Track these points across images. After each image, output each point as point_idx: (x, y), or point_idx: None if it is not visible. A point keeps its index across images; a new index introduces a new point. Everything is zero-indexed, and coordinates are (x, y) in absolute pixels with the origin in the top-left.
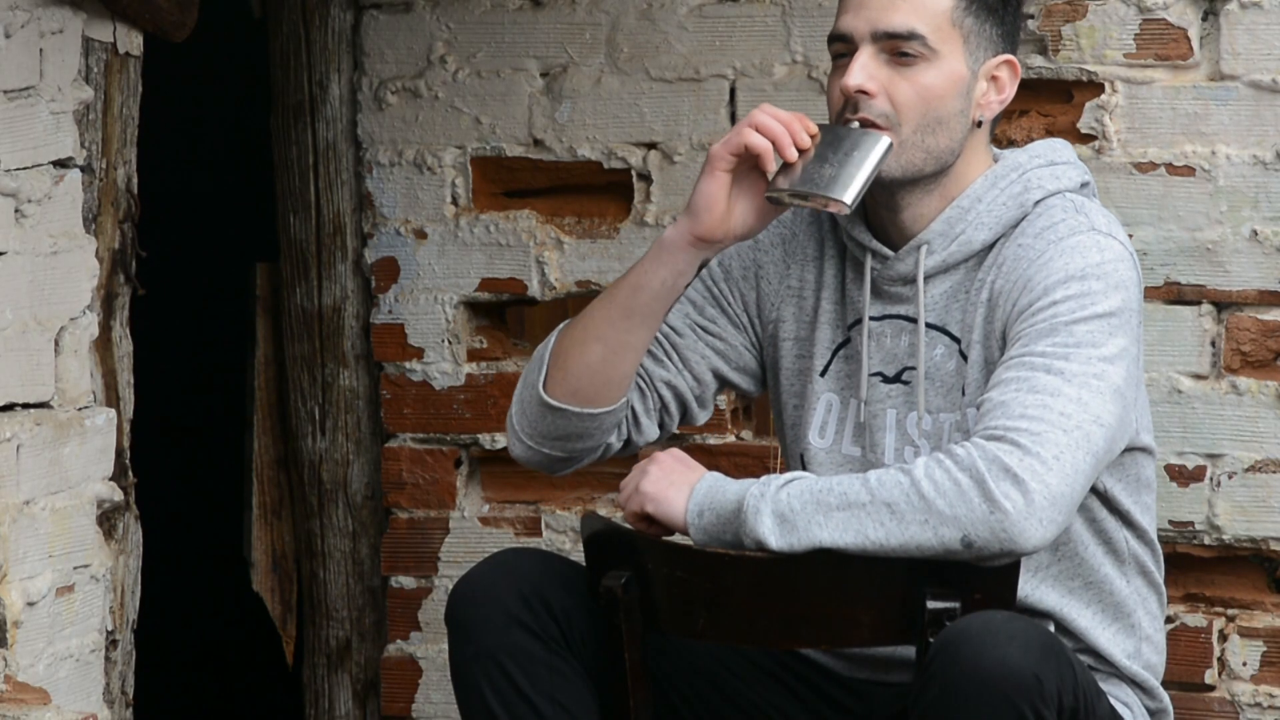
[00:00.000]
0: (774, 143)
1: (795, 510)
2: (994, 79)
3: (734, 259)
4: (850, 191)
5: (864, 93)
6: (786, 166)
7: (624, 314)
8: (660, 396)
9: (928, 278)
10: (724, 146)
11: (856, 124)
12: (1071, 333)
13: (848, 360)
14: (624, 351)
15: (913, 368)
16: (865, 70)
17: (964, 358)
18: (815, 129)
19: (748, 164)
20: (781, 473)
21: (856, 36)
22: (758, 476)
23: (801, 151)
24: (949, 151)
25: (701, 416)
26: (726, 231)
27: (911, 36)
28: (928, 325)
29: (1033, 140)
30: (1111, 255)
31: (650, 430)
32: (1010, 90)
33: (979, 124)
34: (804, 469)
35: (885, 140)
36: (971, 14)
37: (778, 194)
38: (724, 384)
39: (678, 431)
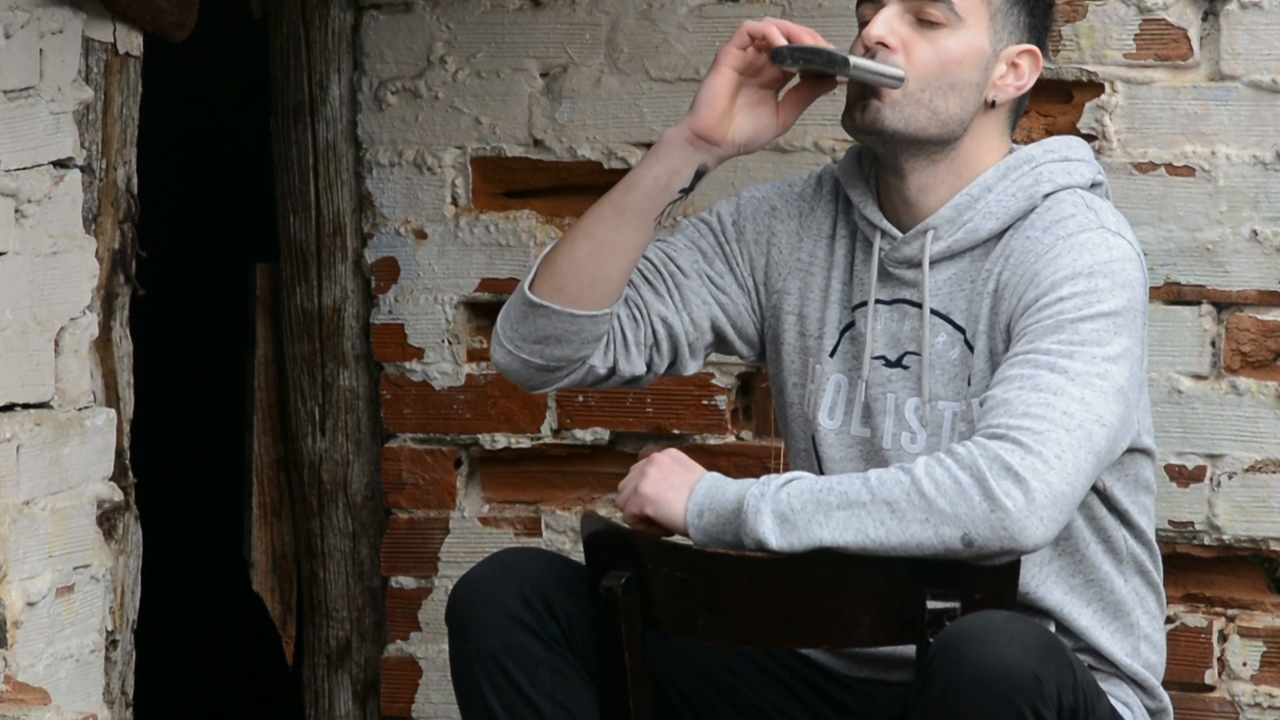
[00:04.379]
0: (786, 35)
1: (795, 510)
2: (1014, 65)
3: (749, 222)
4: (853, 56)
5: (884, 44)
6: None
7: (615, 211)
8: (654, 330)
9: (933, 263)
10: (731, 42)
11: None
12: (1076, 330)
13: (853, 341)
14: (611, 251)
15: (914, 353)
16: (888, 25)
17: (969, 348)
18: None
19: (755, 70)
20: (783, 469)
21: None
22: (758, 476)
23: None
24: (955, 120)
25: (691, 366)
26: (724, 135)
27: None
28: (932, 312)
29: (1033, 140)
30: (1119, 254)
31: (638, 363)
32: (1029, 80)
33: (992, 104)
34: (815, 450)
35: (897, 71)
36: None
37: (784, 52)
38: (720, 340)
39: (676, 432)
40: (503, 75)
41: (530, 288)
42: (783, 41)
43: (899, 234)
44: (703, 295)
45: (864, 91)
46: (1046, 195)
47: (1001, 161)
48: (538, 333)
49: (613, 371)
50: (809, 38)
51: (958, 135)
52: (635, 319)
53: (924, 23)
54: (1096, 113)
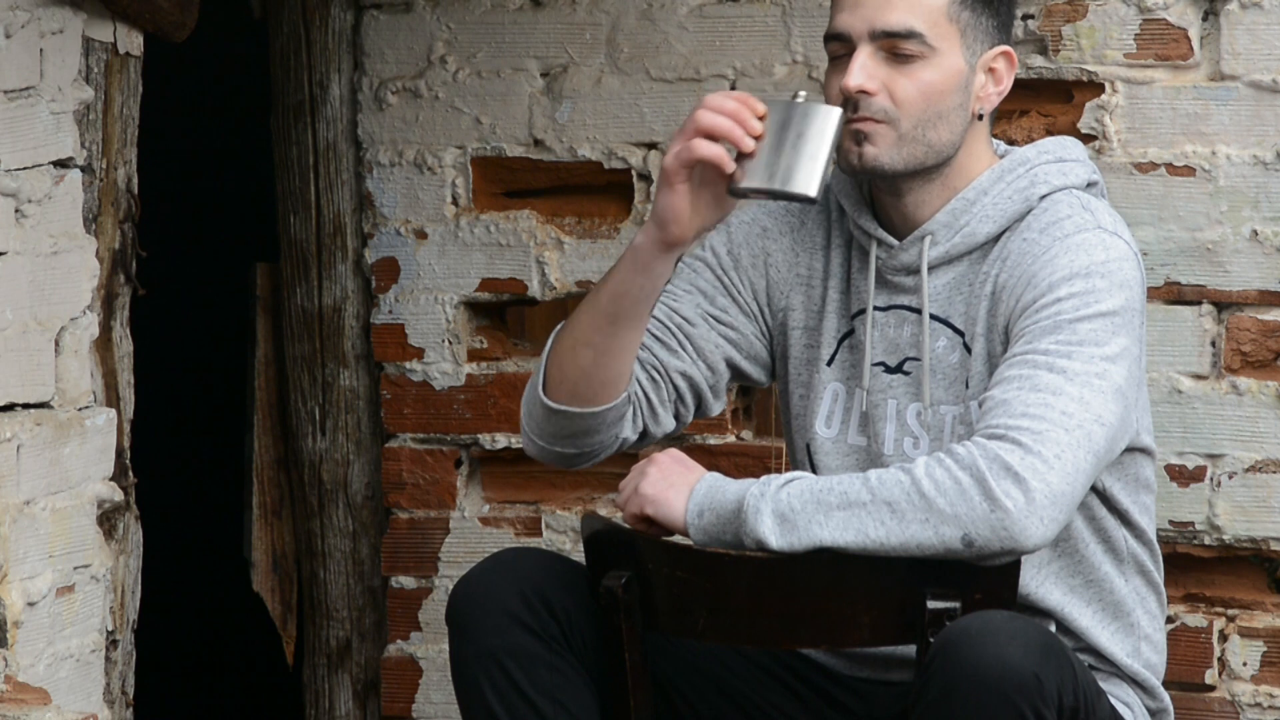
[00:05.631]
0: (725, 138)
1: (795, 510)
2: (991, 71)
3: (743, 248)
4: (813, 183)
5: (864, 92)
6: (744, 156)
7: (609, 320)
8: (675, 387)
9: (931, 269)
10: (676, 159)
11: (803, 95)
12: (1074, 331)
13: (852, 350)
14: (615, 353)
15: (914, 358)
16: (865, 70)
17: (968, 350)
18: (763, 108)
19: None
20: (784, 469)
21: (854, 36)
22: (757, 476)
23: (756, 137)
24: (949, 145)
25: (716, 407)
26: (696, 231)
27: (910, 35)
28: (932, 317)
29: (1033, 140)
30: (1116, 254)
31: (667, 421)
32: (1008, 81)
33: (979, 117)
34: (810, 459)
35: (835, 112)
36: (967, 7)
37: (741, 192)
38: (737, 374)
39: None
40: (503, 75)
41: (545, 392)
42: (731, 166)
43: (895, 242)
44: (713, 339)
45: (856, 136)
46: (1042, 197)
47: (996, 165)
48: (564, 430)
49: (644, 435)
50: (743, 110)
51: (952, 155)
52: (655, 380)
53: (899, 56)
54: (1097, 113)
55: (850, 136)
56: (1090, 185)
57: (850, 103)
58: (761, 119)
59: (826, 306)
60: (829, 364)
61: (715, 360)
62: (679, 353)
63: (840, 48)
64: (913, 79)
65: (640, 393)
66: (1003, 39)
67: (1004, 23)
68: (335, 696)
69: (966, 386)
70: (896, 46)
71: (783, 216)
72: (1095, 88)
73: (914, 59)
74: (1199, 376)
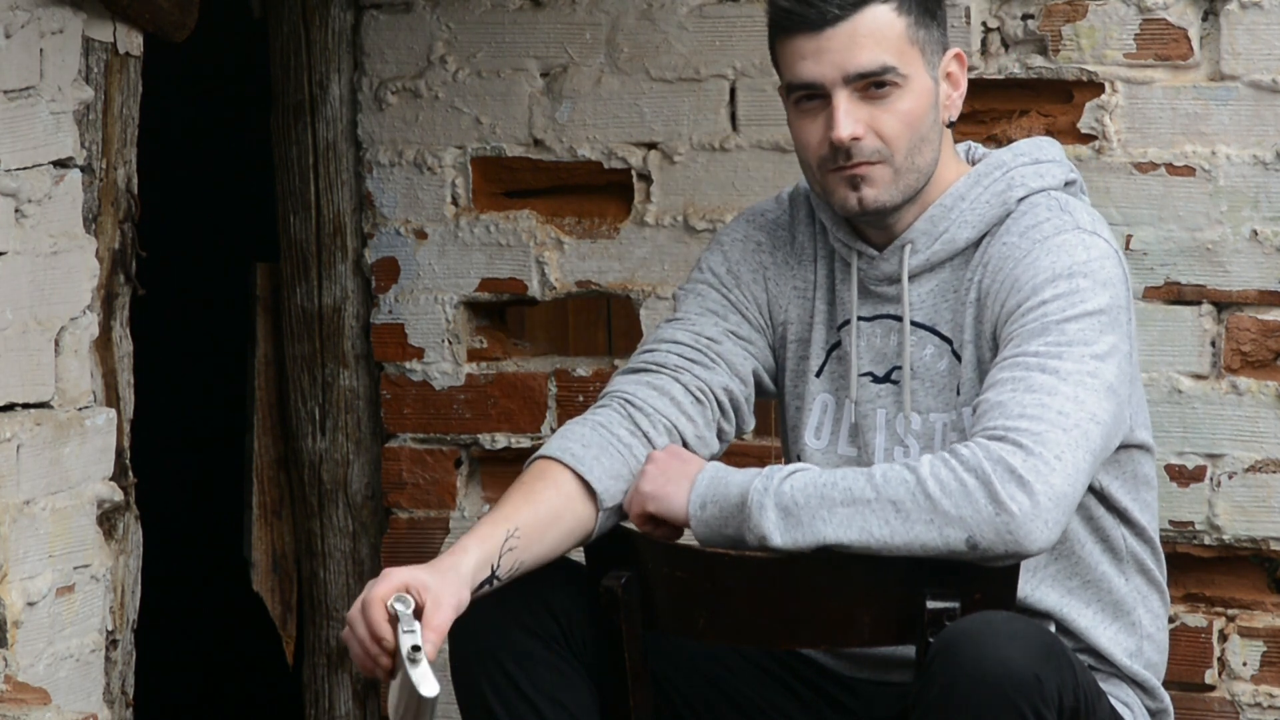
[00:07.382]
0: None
1: (799, 504)
2: (949, 76)
3: (742, 264)
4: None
5: (856, 139)
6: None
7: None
8: (718, 402)
9: (913, 277)
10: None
11: (406, 625)
12: (1063, 331)
13: (840, 361)
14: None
15: (902, 367)
16: (850, 116)
17: (957, 358)
18: (388, 636)
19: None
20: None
21: (827, 84)
22: None
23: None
24: (934, 162)
25: (750, 422)
26: (471, 595)
27: (884, 70)
28: (917, 325)
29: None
30: (1097, 253)
31: (712, 442)
32: (964, 82)
33: (950, 124)
34: None
35: (428, 701)
36: (921, 26)
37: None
38: (758, 387)
39: None
40: (503, 75)
41: None
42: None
43: (876, 252)
44: (738, 353)
45: (852, 182)
46: (1020, 200)
47: (972, 170)
48: None
49: None
50: (374, 648)
51: (934, 171)
52: (700, 401)
53: (875, 92)
54: (1096, 113)
55: (846, 183)
56: (1068, 185)
57: (841, 151)
58: (393, 653)
59: (814, 318)
60: (818, 375)
61: (745, 373)
62: (716, 368)
63: (807, 94)
64: (893, 112)
65: (685, 420)
66: (948, 42)
67: (944, 26)
68: (335, 696)
69: (957, 393)
70: (872, 84)
71: (774, 231)
72: (1095, 88)
73: (890, 92)
74: (1199, 376)
